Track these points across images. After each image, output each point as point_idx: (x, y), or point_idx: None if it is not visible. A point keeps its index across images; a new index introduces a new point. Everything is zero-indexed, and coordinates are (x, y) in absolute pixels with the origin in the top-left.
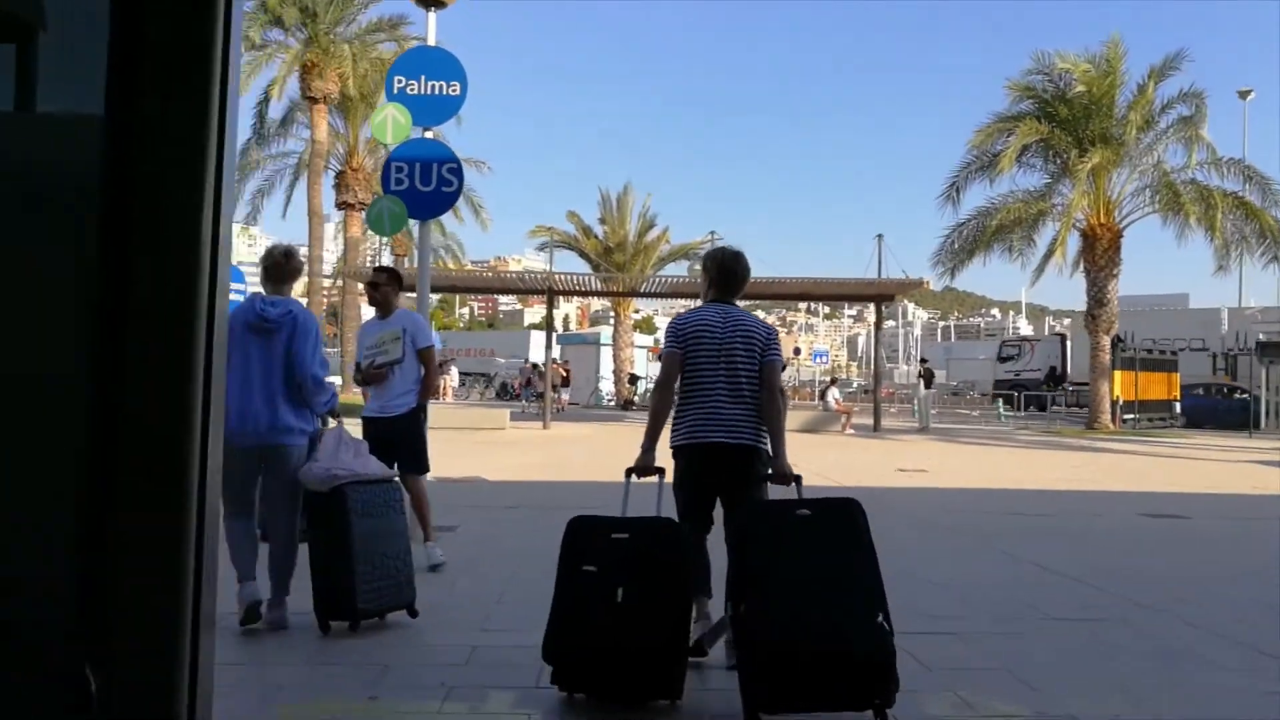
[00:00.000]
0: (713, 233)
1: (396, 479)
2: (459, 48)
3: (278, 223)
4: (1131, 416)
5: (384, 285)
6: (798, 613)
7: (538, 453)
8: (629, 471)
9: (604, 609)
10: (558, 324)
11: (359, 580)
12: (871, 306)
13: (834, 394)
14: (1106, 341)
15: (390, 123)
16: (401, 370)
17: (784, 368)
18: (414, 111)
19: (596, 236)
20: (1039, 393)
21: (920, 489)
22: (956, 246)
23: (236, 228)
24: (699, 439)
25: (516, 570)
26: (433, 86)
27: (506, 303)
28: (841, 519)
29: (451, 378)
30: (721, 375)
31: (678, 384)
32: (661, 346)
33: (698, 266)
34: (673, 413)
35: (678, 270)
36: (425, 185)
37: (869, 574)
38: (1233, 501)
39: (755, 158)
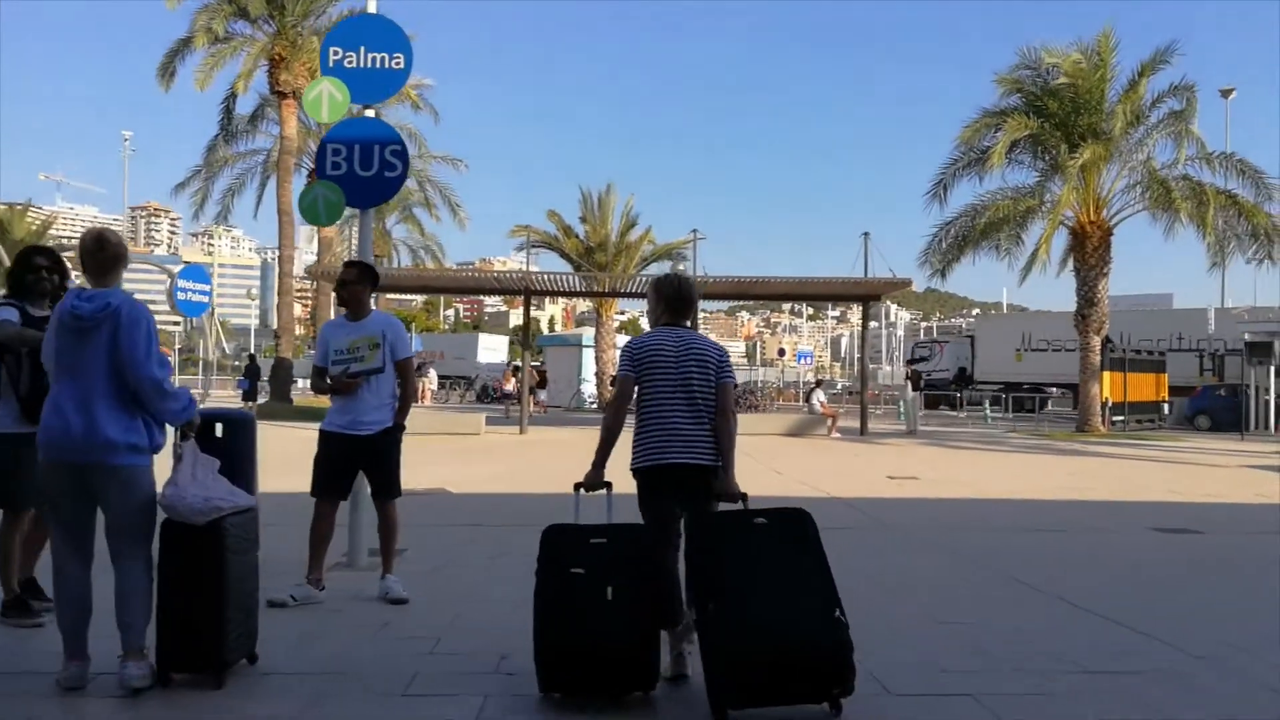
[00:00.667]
0: (695, 231)
1: (256, 506)
2: (440, 44)
3: (249, 223)
4: (1120, 419)
5: (354, 283)
6: (761, 615)
7: (511, 460)
8: (578, 486)
9: (596, 607)
10: (543, 327)
11: (230, 627)
12: (855, 307)
13: (819, 396)
14: (1097, 342)
15: (325, 99)
16: (377, 382)
17: (736, 386)
18: (352, 87)
19: (578, 236)
20: (948, 392)
21: (914, 500)
22: (944, 245)
23: (202, 226)
24: (660, 460)
25: (463, 610)
26: (373, 59)
27: (492, 305)
28: (794, 527)
29: (430, 380)
30: (679, 397)
31: (633, 405)
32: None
33: (680, 267)
34: (633, 434)
35: (661, 270)
36: (365, 170)
37: (822, 576)
38: (1241, 513)
39: (739, 156)
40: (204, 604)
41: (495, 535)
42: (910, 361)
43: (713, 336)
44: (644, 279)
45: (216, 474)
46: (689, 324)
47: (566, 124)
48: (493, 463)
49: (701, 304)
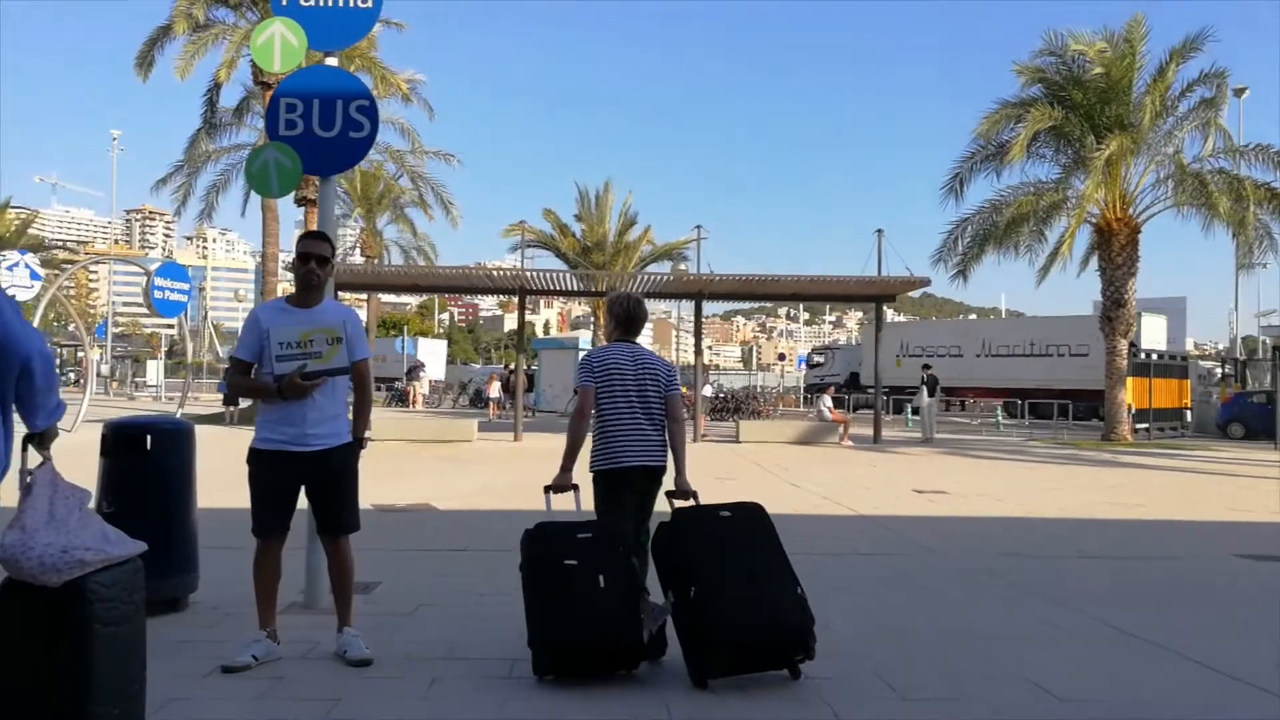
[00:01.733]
0: (699, 228)
1: (140, 556)
2: (435, 39)
3: (243, 225)
4: (1144, 426)
5: (329, 261)
6: (735, 596)
7: (504, 471)
8: (548, 489)
9: (590, 595)
10: (538, 331)
11: None
12: (851, 311)
13: (826, 402)
14: (1124, 345)
15: (278, 45)
16: (332, 385)
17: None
18: (310, 29)
19: (574, 235)
20: (839, 395)
21: (950, 519)
22: (962, 244)
23: (194, 228)
24: (623, 463)
25: (441, 675)
26: None
27: (487, 309)
28: (754, 518)
29: (421, 385)
30: (636, 405)
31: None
32: (575, 380)
33: (682, 266)
34: (592, 439)
35: (661, 270)
36: (326, 129)
37: (781, 558)
38: None
39: (744, 155)
40: (59, 699)
41: (484, 562)
42: (926, 366)
43: (706, 341)
44: (646, 277)
45: (86, 510)
46: (638, 340)
47: (565, 125)
48: (484, 473)
49: (706, 304)
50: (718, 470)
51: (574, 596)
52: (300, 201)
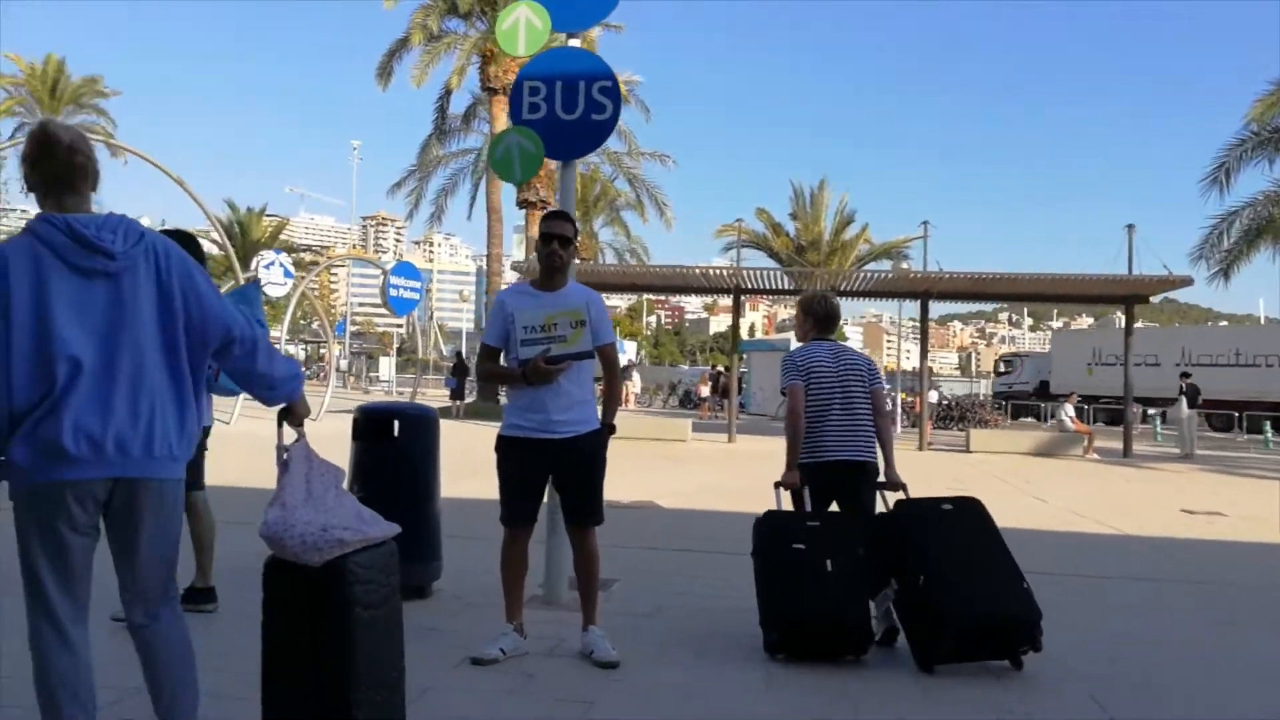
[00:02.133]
0: (925, 224)
1: (393, 538)
2: (650, 39)
3: (466, 230)
4: None
5: (573, 241)
6: (962, 586)
7: (721, 472)
8: (778, 485)
9: (816, 577)
10: (744, 333)
11: (360, 713)
12: (1080, 318)
13: (1068, 411)
14: None
15: (523, 28)
16: (578, 370)
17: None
18: (553, 10)
19: (788, 234)
20: (1026, 402)
21: (1239, 545)
22: (1227, 240)
23: (422, 233)
24: (826, 457)
25: (694, 676)
26: None
27: (692, 311)
28: (974, 512)
29: (634, 384)
30: (838, 401)
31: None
32: (782, 380)
33: (904, 265)
34: None
35: (879, 270)
36: (568, 112)
37: (1004, 552)
38: None
39: (971, 149)
40: (322, 682)
41: (716, 564)
42: (1185, 375)
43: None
44: (866, 276)
45: (341, 490)
46: (834, 337)
47: (780, 123)
48: (701, 473)
49: (932, 303)
50: (949, 481)
51: (801, 578)
52: (522, 204)
